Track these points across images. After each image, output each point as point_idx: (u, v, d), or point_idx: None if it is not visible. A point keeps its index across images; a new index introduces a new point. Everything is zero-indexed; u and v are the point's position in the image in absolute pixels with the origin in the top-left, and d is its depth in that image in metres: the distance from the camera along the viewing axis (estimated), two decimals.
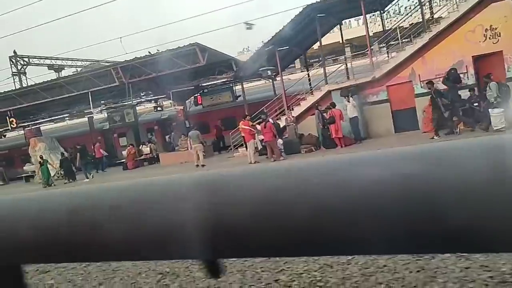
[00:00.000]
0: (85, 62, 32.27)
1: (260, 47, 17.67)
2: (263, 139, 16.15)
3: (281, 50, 17.94)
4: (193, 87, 19.93)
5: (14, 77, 28.57)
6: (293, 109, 17.80)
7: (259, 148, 15.96)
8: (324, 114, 16.21)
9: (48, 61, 30.83)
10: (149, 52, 17.44)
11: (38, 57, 29.75)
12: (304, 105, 17.57)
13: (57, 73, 30.81)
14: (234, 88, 21.81)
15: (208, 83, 19.84)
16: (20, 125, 22.21)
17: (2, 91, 21.25)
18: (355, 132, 15.81)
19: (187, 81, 18.95)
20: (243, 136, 18.73)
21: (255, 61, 18.05)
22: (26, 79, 28.91)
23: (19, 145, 31.19)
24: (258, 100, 22.38)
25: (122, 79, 18.05)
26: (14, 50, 28.38)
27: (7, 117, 20.86)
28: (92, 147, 25.51)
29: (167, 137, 27.18)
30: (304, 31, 18.67)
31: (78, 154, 23.93)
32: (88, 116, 26.62)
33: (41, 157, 27.10)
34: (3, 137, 31.06)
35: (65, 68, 31.41)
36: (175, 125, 28.85)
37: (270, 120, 15.36)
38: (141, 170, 21.69)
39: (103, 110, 23.41)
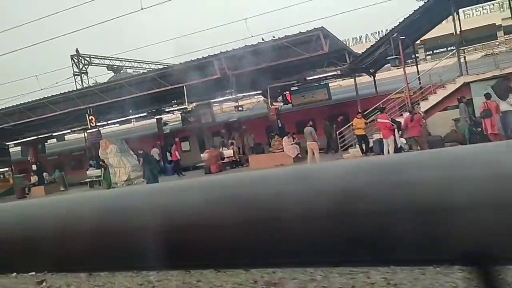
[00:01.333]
0: (143, 64, 30.84)
1: (384, 35, 15.86)
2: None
3: (402, 40, 16.11)
4: (294, 82, 18.09)
5: (76, 77, 27.07)
6: (419, 104, 15.88)
7: (399, 146, 13.95)
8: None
9: (105, 61, 29.45)
10: (263, 39, 15.67)
11: (99, 57, 28.31)
12: (434, 99, 15.61)
13: (115, 74, 29.34)
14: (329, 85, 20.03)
15: (315, 77, 17.92)
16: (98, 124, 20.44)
17: (83, 87, 19.57)
18: (508, 129, 13.75)
19: (293, 73, 17.15)
20: (357, 135, 16.95)
21: (373, 52, 16.22)
22: (88, 79, 27.42)
23: (75, 149, 29.58)
24: (353, 99, 20.66)
25: (225, 70, 16.25)
26: (77, 49, 26.95)
27: (87, 115, 19.13)
28: (151, 151, 23.79)
29: (229, 141, 25.33)
30: (422, 20, 16.89)
31: (141, 159, 22.26)
32: (157, 117, 24.99)
33: (103, 161, 25.43)
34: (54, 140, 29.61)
35: (123, 69, 30.01)
36: (244, 128, 27.03)
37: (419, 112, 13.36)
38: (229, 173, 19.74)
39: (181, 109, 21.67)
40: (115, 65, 29.36)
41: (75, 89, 20.05)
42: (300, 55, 15.20)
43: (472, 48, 20.30)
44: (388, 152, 13.60)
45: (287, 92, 20.35)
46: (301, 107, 21.20)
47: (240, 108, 21.88)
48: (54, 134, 24.17)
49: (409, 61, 23.47)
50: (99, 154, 23.30)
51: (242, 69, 16.03)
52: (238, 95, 17.50)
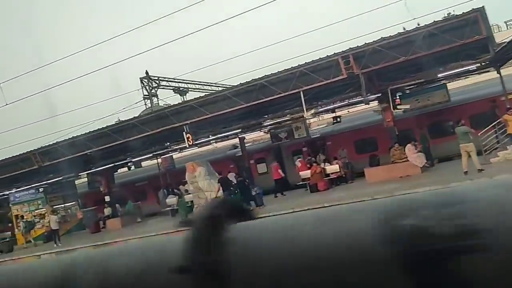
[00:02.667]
0: (208, 86, 29.37)
1: None
2: None
3: None
4: (423, 81, 16.05)
5: (145, 100, 25.60)
6: None
7: None
8: None
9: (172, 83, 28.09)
10: (404, 29, 13.83)
11: (167, 79, 26.95)
12: None
13: (182, 97, 27.86)
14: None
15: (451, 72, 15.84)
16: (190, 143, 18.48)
17: (180, 102, 17.87)
18: None
19: (422, 70, 15.15)
20: (510, 134, 14.69)
21: None
22: (158, 101, 25.95)
23: (137, 179, 27.76)
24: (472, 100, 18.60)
25: (353, 69, 14.32)
26: (146, 71, 25.63)
27: (184, 133, 17.30)
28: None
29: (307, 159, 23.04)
30: None
31: (219, 184, 20.22)
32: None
33: (179, 189, 23.50)
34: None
35: (189, 91, 28.55)
36: (329, 144, 24.83)
37: None
38: (342, 191, 17.41)
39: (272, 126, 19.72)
40: (181, 87, 27.95)
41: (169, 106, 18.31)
42: (450, 44, 13.18)
43: None
44: None
45: (397, 96, 18.30)
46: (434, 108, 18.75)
47: (338, 119, 19.82)
48: (133, 160, 22.37)
49: None
50: (186, 178, 21.43)
51: (375, 66, 14.07)
52: (370, 97, 15.41)
